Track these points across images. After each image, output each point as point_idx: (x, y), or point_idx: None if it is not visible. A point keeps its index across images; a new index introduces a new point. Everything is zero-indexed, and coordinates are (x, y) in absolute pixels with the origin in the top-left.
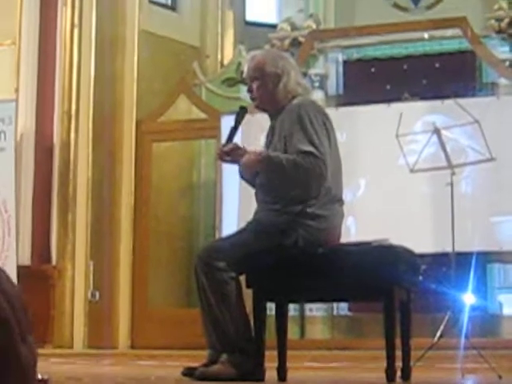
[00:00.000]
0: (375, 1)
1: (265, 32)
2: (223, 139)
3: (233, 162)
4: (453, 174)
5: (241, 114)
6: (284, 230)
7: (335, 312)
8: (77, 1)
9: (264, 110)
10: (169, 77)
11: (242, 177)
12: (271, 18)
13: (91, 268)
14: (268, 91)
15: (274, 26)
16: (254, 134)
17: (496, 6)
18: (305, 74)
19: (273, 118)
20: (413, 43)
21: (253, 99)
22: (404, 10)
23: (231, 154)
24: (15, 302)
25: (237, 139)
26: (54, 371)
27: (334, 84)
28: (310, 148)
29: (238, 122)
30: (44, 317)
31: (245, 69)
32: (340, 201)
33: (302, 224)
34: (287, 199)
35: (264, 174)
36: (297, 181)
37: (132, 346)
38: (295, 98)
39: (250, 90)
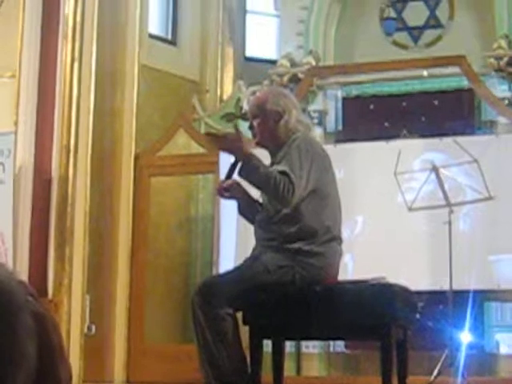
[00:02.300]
0: (375, 38)
1: (264, 68)
2: (222, 174)
3: (232, 198)
4: (451, 212)
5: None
6: (282, 267)
7: (332, 349)
8: (77, 35)
9: (264, 147)
10: (168, 111)
11: (241, 213)
12: (271, 54)
13: (88, 302)
14: (269, 129)
15: (273, 62)
16: None
17: (495, 45)
18: (303, 111)
19: (273, 155)
20: (412, 81)
21: (254, 136)
22: (403, 47)
23: (230, 189)
24: (50, 323)
25: (236, 176)
26: None
27: (332, 120)
28: (288, 171)
29: (236, 161)
30: None
31: (244, 105)
32: (338, 239)
33: (300, 261)
34: (285, 236)
35: (243, 171)
36: (265, 191)
37: (128, 381)
38: (294, 135)
39: (251, 127)
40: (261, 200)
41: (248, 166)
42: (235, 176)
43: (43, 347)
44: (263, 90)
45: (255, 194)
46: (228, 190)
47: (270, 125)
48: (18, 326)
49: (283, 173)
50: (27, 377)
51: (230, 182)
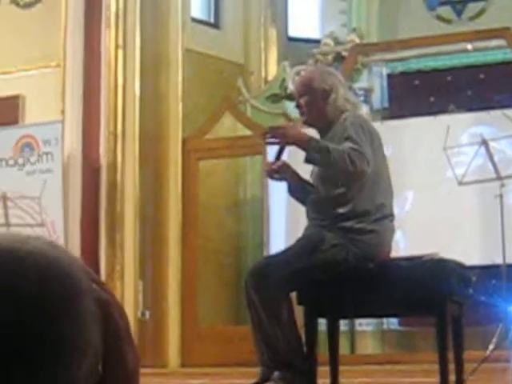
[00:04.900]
0: (418, 13)
1: (308, 47)
2: (269, 156)
3: (282, 179)
4: (502, 185)
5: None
6: (334, 246)
7: (385, 326)
8: (120, 22)
9: (312, 126)
10: (213, 94)
11: (291, 193)
12: (314, 34)
13: (140, 287)
14: (316, 107)
15: (317, 42)
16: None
17: None
18: (349, 89)
19: (322, 133)
20: (456, 55)
21: (301, 114)
22: (447, 21)
23: (280, 171)
24: (115, 309)
25: (284, 156)
26: None
27: (378, 98)
28: (356, 146)
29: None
30: None
31: (289, 85)
32: (391, 216)
33: (353, 239)
34: (338, 216)
35: (310, 156)
36: (339, 169)
37: (183, 365)
38: (343, 114)
39: (298, 106)
40: (311, 180)
41: (316, 149)
42: (284, 156)
43: (109, 334)
44: (309, 68)
45: (304, 173)
46: (278, 172)
47: (318, 103)
48: (81, 312)
49: (353, 149)
50: (93, 364)
51: (279, 163)
